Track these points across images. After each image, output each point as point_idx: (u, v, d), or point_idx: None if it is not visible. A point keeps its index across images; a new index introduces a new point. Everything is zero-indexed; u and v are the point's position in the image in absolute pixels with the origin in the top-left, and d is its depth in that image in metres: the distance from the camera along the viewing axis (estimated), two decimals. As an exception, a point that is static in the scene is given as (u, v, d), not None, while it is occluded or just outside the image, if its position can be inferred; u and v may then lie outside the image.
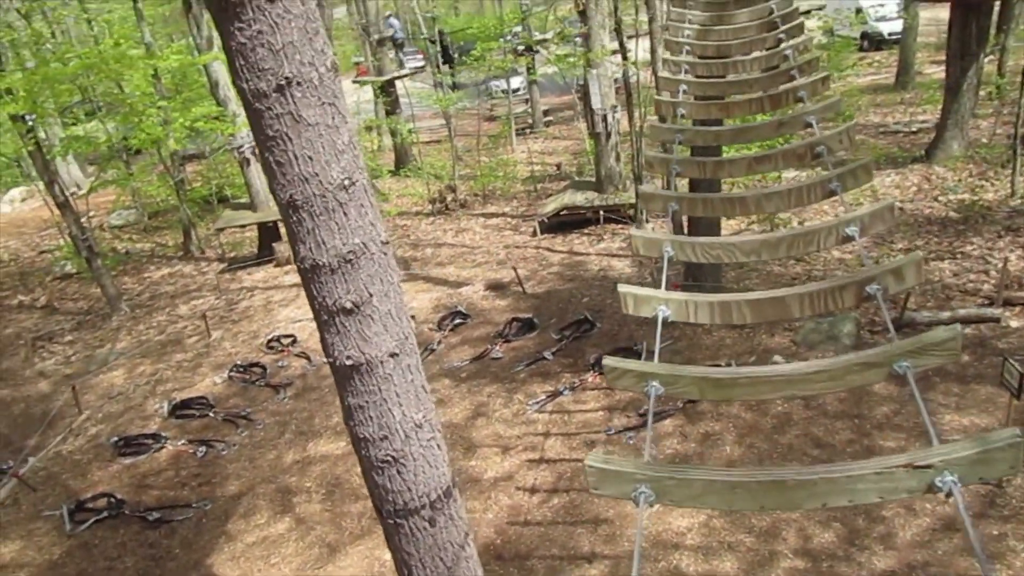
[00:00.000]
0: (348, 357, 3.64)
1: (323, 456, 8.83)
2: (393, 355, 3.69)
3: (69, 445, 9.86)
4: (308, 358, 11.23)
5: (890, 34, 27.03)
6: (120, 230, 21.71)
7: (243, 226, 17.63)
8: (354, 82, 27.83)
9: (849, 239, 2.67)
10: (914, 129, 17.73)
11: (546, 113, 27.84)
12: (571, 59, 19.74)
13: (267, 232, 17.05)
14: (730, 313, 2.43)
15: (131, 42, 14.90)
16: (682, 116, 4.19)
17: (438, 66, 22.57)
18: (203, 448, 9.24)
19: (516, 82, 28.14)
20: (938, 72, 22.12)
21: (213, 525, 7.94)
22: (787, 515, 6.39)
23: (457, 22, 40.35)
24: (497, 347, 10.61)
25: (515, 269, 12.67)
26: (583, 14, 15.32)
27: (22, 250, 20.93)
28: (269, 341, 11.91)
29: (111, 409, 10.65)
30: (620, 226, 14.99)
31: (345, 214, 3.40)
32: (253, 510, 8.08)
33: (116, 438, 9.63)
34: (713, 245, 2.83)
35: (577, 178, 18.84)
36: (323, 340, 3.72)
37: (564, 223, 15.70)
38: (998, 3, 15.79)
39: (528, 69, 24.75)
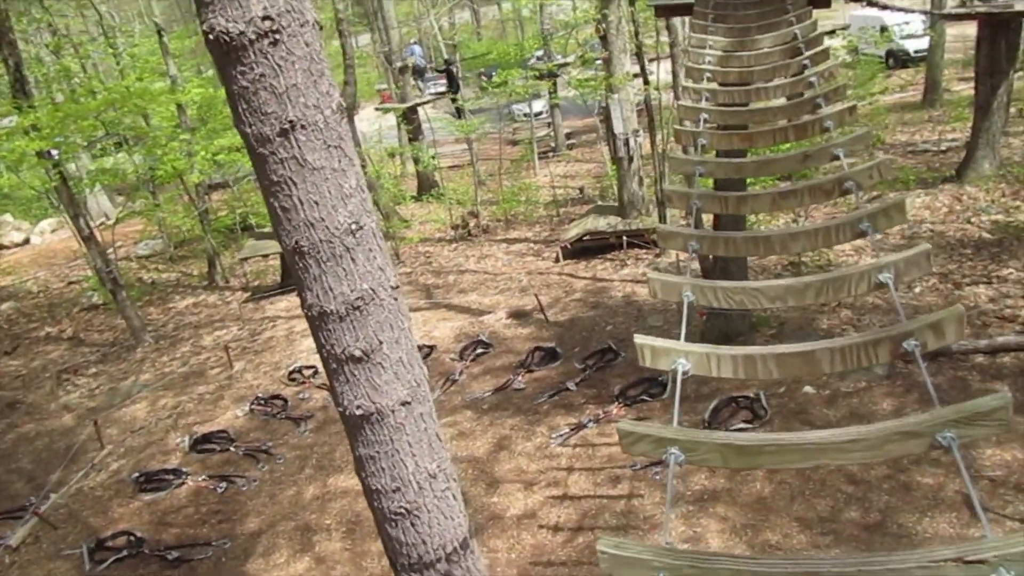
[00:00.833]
0: (358, 407, 3.51)
1: (343, 491, 8.69)
2: (405, 404, 3.56)
3: (91, 481, 9.82)
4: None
5: (916, 52, 26.67)
6: (147, 260, 21.91)
7: (267, 255, 17.70)
8: (377, 109, 28.07)
9: (882, 286, 2.49)
10: (943, 148, 17.38)
11: (568, 136, 27.79)
12: (592, 83, 19.68)
13: (284, 260, 17.02)
14: (755, 368, 2.27)
15: (155, 76, 15.10)
16: (703, 146, 4.03)
17: (454, 94, 22.64)
18: (223, 484, 9.14)
19: (538, 105, 28.14)
20: (966, 89, 21.77)
21: (233, 564, 7.81)
22: None
23: (480, 47, 40.55)
24: (519, 377, 10.44)
25: (537, 297, 12.52)
26: (604, 39, 15.25)
27: (51, 281, 21.15)
28: (291, 372, 11.84)
29: (133, 443, 10.61)
30: (644, 251, 14.80)
31: (353, 259, 3.28)
32: (273, 548, 7.94)
33: (137, 474, 9.57)
34: (735, 290, 2.66)
35: (600, 202, 18.70)
36: (332, 389, 3.60)
37: (587, 248, 15.53)
38: (1027, 19, 15.46)
39: (550, 92, 24.74)
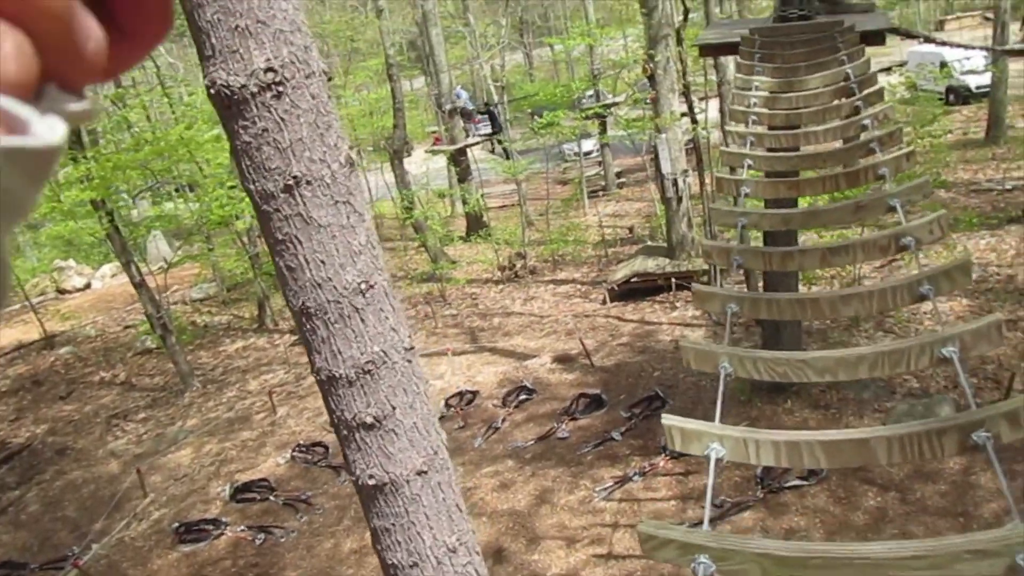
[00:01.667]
0: (371, 476, 3.28)
1: (381, 545, 8.44)
2: (421, 473, 3.31)
3: (132, 531, 9.77)
4: (371, 437, 10.96)
5: (977, 87, 25.90)
6: (200, 303, 22.25)
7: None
8: (427, 151, 28.31)
9: (945, 360, 2.19)
10: (1008, 187, 16.66)
11: (619, 175, 27.59)
12: (640, 123, 19.52)
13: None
14: (799, 455, 1.99)
15: (209, 124, 15.40)
16: (746, 195, 3.76)
17: (494, 141, 22.70)
18: (261, 535, 8.99)
19: (588, 145, 28.05)
20: (1032, 125, 21.02)
21: (265, 620, 7.62)
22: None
23: (531, 88, 40.84)
24: (563, 425, 10.13)
25: (582, 341, 12.22)
26: (652, 79, 15.08)
27: (109, 325, 21.59)
28: (333, 418, 11.71)
29: (175, 491, 10.57)
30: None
31: (363, 320, 3.08)
32: (307, 605, 7.73)
33: (177, 524, 9.49)
34: (779, 361, 2.38)
35: (650, 242, 18.38)
36: (344, 457, 3.39)
37: (635, 290, 15.20)
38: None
39: (600, 132, 24.64)
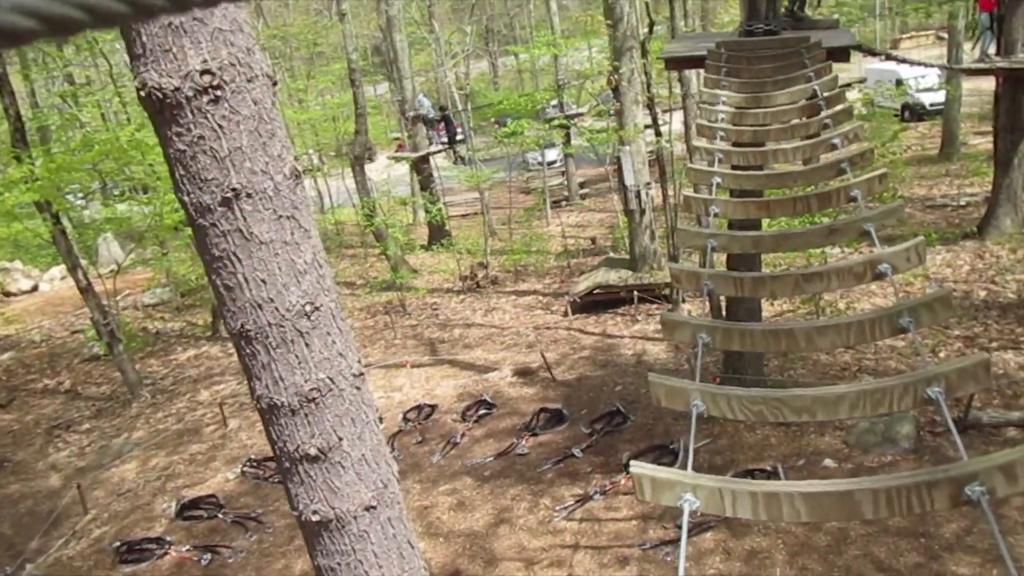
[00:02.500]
0: (315, 512, 3.05)
1: (333, 566, 8.14)
2: (369, 508, 3.09)
3: (70, 550, 9.32)
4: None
5: (932, 105, 26.46)
6: (153, 309, 21.63)
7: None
8: (389, 157, 28.05)
9: (930, 401, 2.04)
10: (962, 203, 16.94)
11: (582, 185, 27.57)
12: (603, 134, 19.48)
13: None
14: (779, 508, 1.82)
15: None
16: (715, 215, 3.62)
17: (451, 146, 22.48)
18: (208, 555, 8.62)
19: (552, 154, 28.01)
20: (983, 143, 21.41)
21: (209, 646, 7.27)
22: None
23: (496, 96, 40.77)
24: (523, 441, 9.92)
25: (543, 355, 12.04)
26: (616, 90, 15.02)
27: (55, 330, 20.87)
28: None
29: (118, 508, 10.13)
30: (655, 306, 14.34)
31: (307, 345, 2.86)
32: (253, 629, 7.40)
33: (118, 543, 9.07)
34: (755, 399, 2.22)
35: (612, 254, 18.32)
36: (287, 491, 3.15)
37: (597, 302, 15.08)
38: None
39: (563, 142, 24.59)
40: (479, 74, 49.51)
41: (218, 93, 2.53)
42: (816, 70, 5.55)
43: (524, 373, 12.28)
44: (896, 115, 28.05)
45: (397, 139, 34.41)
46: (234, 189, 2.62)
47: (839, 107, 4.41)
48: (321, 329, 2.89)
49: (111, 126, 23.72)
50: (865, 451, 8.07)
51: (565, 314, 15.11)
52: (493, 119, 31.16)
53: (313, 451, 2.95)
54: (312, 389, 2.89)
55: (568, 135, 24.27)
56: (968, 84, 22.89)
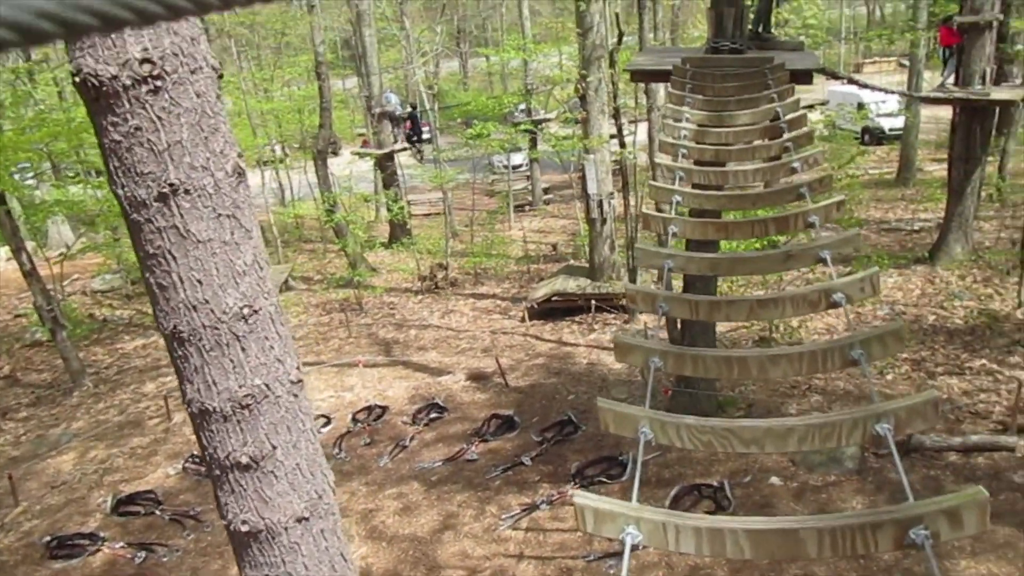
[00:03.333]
0: (244, 522, 2.94)
1: (272, 568, 7.97)
2: (301, 520, 2.99)
3: (-3, 541, 8.99)
4: (271, 450, 10.43)
5: (891, 130, 27.04)
6: (103, 295, 21.07)
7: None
8: (353, 153, 27.74)
9: (879, 438, 2.02)
10: (916, 227, 17.30)
11: (546, 191, 27.58)
12: (569, 142, 19.51)
13: (247, 306, 16.42)
14: (723, 544, 1.78)
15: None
16: (674, 235, 3.59)
17: (410, 142, 22.30)
18: (142, 553, 8.38)
19: (517, 158, 27.98)
20: (938, 170, 21.92)
21: (138, 648, 7.06)
22: None
23: (465, 97, 40.63)
24: (473, 447, 9.84)
25: (498, 360, 11.97)
26: (583, 99, 15.03)
27: (-2, 312, 20.25)
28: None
29: (51, 501, 9.80)
30: (612, 315, 14.37)
31: (243, 349, 2.75)
32: (186, 632, 7.20)
33: (49, 537, 8.76)
34: (704, 429, 2.18)
35: (572, 261, 18.35)
36: (216, 499, 3.03)
37: (555, 309, 15.07)
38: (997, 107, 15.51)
39: (529, 147, 24.59)
40: (449, 74, 49.33)
41: (158, 83, 2.42)
42: (779, 91, 5.57)
43: (478, 378, 12.20)
44: (856, 138, 28.62)
45: (362, 135, 34.09)
46: (171, 184, 2.51)
47: (801, 131, 4.41)
48: (259, 333, 2.79)
49: (68, 105, 23.13)
50: (810, 470, 8.14)
51: (522, 320, 15.07)
52: (460, 120, 31.07)
53: (245, 459, 2.84)
54: (247, 395, 2.79)
55: (534, 140, 24.28)
56: (926, 111, 23.40)
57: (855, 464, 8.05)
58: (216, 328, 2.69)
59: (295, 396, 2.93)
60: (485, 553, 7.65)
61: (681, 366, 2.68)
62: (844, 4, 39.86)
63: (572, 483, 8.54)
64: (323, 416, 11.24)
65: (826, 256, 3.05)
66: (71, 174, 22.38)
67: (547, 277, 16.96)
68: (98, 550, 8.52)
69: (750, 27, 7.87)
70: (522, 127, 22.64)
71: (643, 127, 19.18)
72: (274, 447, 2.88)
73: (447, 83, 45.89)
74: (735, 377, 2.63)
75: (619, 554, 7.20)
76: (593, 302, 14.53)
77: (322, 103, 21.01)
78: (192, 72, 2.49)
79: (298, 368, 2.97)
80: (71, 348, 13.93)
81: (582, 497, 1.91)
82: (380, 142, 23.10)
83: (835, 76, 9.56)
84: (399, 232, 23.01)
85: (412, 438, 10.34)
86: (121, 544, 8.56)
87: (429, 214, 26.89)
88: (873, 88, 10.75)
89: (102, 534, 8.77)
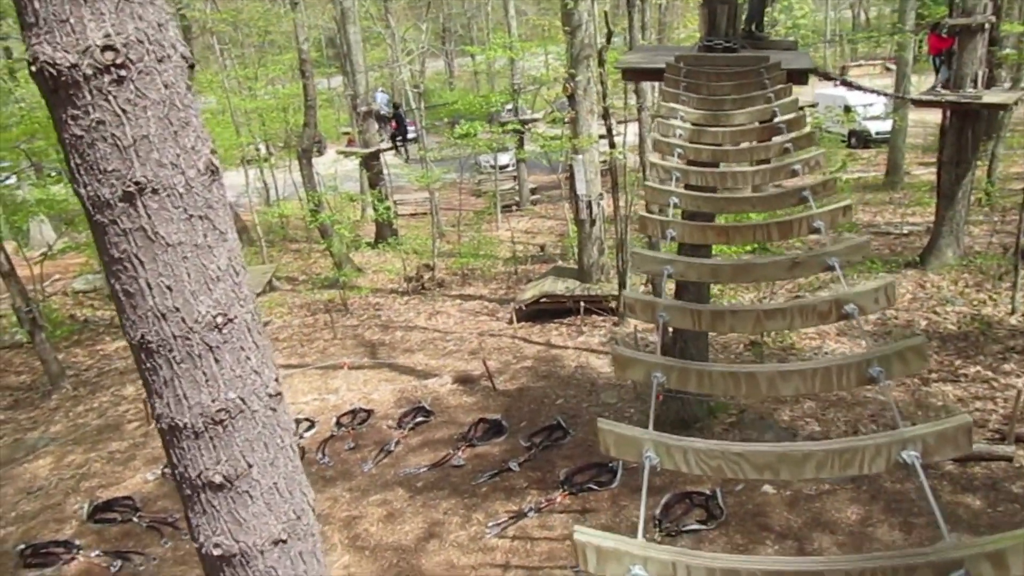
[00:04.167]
0: (217, 545, 2.74)
1: (253, 578, 7.75)
2: (278, 542, 2.80)
3: (-31, 550, 8.72)
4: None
5: (878, 133, 27.06)
6: (84, 295, 20.71)
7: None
8: (339, 152, 27.48)
9: (904, 465, 1.86)
10: (905, 231, 17.26)
11: (533, 191, 27.42)
12: (556, 142, 19.36)
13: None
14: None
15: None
16: (672, 239, 3.42)
17: (395, 144, 22.04)
18: (118, 562, 8.13)
19: (504, 158, 27.81)
20: (926, 174, 21.94)
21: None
22: None
23: (451, 96, 40.43)
24: (460, 452, 9.65)
25: (485, 363, 11.78)
26: (571, 98, 14.87)
27: (-26, 313, 19.84)
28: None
29: (27, 508, 9.54)
30: (601, 318, 14.21)
31: (216, 361, 2.56)
32: (163, 644, 6.98)
33: (23, 545, 8.50)
34: (713, 453, 2.02)
35: (560, 262, 18.19)
36: (187, 521, 2.83)
37: (543, 311, 14.89)
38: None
39: (516, 147, 24.43)
40: (435, 73, 49.10)
41: (122, 73, 2.22)
42: (776, 91, 5.43)
43: (465, 381, 12.02)
44: (843, 141, 28.69)
45: (347, 133, 33.79)
46: (138, 183, 2.31)
47: (800, 132, 4.27)
48: (234, 343, 2.59)
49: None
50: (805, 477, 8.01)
51: (510, 322, 14.89)
52: (447, 119, 30.84)
53: (218, 478, 2.65)
54: (220, 410, 2.59)
55: (521, 140, 24.11)
56: (913, 115, 23.43)
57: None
58: (187, 338, 2.50)
59: (273, 410, 2.74)
60: (471, 563, 7.47)
61: (685, 382, 2.51)
62: (829, 6, 39.89)
63: (561, 490, 8.37)
64: (307, 420, 11.03)
65: (834, 263, 2.90)
66: (53, 173, 22.00)
67: (535, 278, 16.78)
68: (73, 558, 8.27)
69: (743, 26, 7.74)
70: (509, 127, 22.45)
71: (632, 127, 19.05)
72: (250, 465, 2.69)
73: (433, 82, 45.67)
74: (743, 394, 2.47)
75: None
76: (582, 304, 14.37)
77: (307, 101, 20.74)
78: (159, 61, 2.30)
79: (276, 380, 2.78)
80: (50, 350, 13.63)
81: (583, 534, 1.75)
82: (366, 141, 22.87)
83: (828, 77, 9.45)
84: (385, 232, 22.78)
85: (397, 443, 10.14)
86: (97, 552, 8.31)
87: (415, 214, 26.68)
88: (867, 91, 10.67)
89: (77, 542, 8.52)
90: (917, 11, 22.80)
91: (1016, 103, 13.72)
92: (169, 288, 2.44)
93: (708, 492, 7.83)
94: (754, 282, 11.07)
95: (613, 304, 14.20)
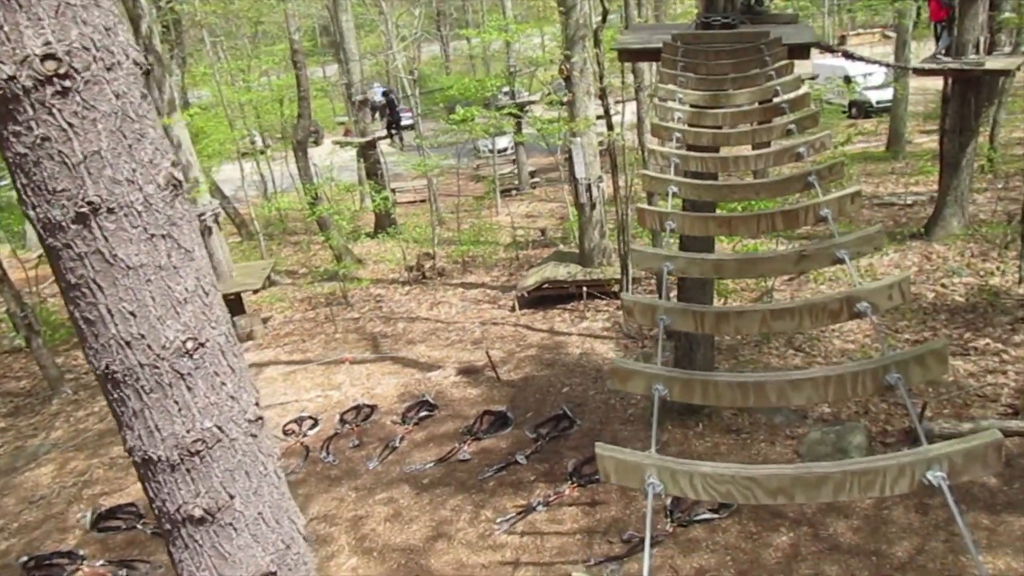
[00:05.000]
0: (201, 582, 2.57)
1: (259, 583, 7.63)
2: (268, 575, 2.63)
3: (-28, 563, 8.62)
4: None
5: (878, 102, 26.73)
6: (81, 296, 20.57)
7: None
8: (335, 142, 27.25)
9: (930, 485, 1.69)
10: (909, 201, 16.99)
11: (532, 174, 27.13)
12: (554, 125, 19.09)
13: (228, 305, 16.03)
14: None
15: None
16: (672, 230, 3.23)
17: (389, 132, 21.74)
18: (123, 571, 8.03)
19: (503, 142, 27.53)
20: (928, 142, 21.64)
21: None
22: None
23: (447, 80, 40.05)
24: (466, 446, 9.51)
25: (488, 354, 11.61)
26: (568, 80, 14.60)
27: (-26, 318, 19.71)
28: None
29: (29, 518, 9.43)
30: (604, 302, 14.03)
31: (189, 388, 2.38)
32: (169, 655, 6.86)
33: (26, 557, 8.38)
34: (722, 478, 1.85)
35: (562, 246, 17.97)
36: (170, 556, 2.67)
37: (545, 298, 14.71)
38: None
39: (515, 130, 24.14)
40: (431, 58, 48.66)
41: (67, 84, 2.03)
42: (777, 68, 5.21)
43: (468, 372, 11.86)
44: (844, 112, 28.34)
45: (343, 123, 33.49)
46: (91, 202, 2.13)
47: (805, 112, 4.06)
48: (207, 369, 2.42)
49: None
50: (816, 461, 7.84)
51: (513, 309, 14.71)
52: (443, 104, 30.51)
53: (198, 512, 2.49)
54: (196, 440, 2.42)
55: (519, 123, 23.83)
56: (913, 83, 23.06)
57: (862, 454, 7.74)
58: (155, 366, 2.32)
59: (253, 436, 2.57)
60: (481, 561, 7.33)
61: (689, 393, 2.34)
62: (828, -25, 39.35)
63: (569, 482, 8.22)
64: (311, 418, 10.89)
65: (844, 256, 2.71)
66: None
67: (537, 264, 16.58)
68: (77, 569, 8.15)
69: (741, 0, 7.49)
70: (506, 111, 22.18)
71: (630, 106, 18.78)
72: (231, 496, 2.52)
73: (429, 67, 45.24)
74: (750, 403, 2.30)
75: (620, 558, 6.91)
76: (584, 289, 14.18)
77: (300, 92, 20.46)
78: (108, 69, 2.11)
79: (256, 404, 2.61)
80: (48, 355, 13.51)
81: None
82: (362, 130, 22.63)
83: (830, 50, 9.23)
84: (384, 222, 22.58)
85: (402, 438, 10.00)
86: (101, 562, 8.20)
87: (414, 201, 26.44)
88: (869, 61, 10.39)
89: (81, 552, 8.41)
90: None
91: (1019, 68, 13.45)
92: (132, 314, 2.26)
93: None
94: (760, 277, 10.85)
95: (616, 288, 14.01)
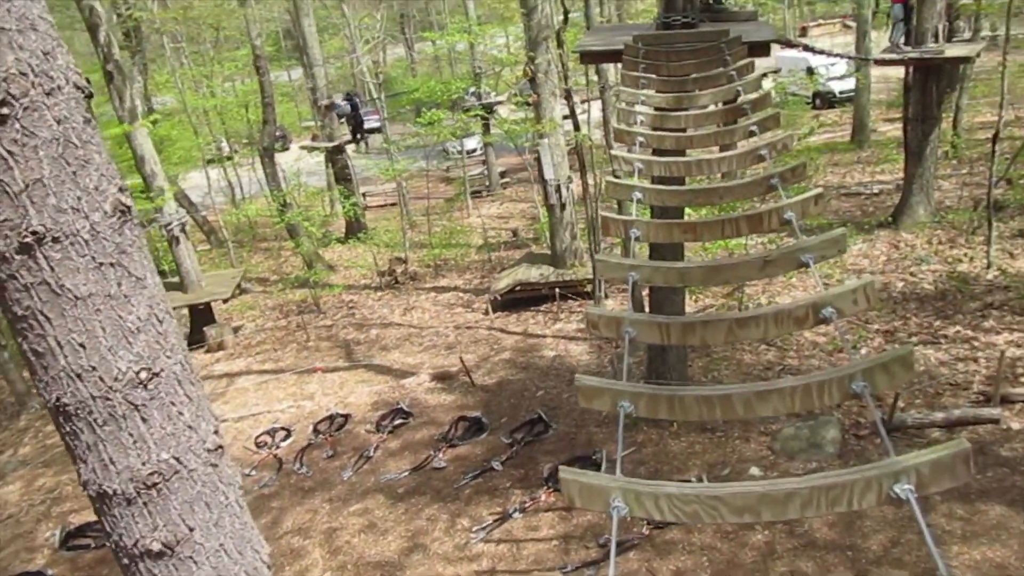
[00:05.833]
0: (163, 617, 2.50)
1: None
2: (232, 606, 2.56)
3: (-63, 590, 8.42)
4: (229, 469, 9.94)
5: (841, 92, 27.08)
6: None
7: (175, 307, 16.34)
8: (302, 147, 27.01)
9: (898, 499, 1.68)
10: (875, 191, 17.20)
11: (503, 175, 27.09)
12: (521, 126, 19.07)
13: (198, 315, 15.84)
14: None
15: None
16: (636, 238, 3.22)
17: (354, 137, 21.58)
18: (94, 592, 7.88)
19: (471, 143, 27.45)
20: (892, 130, 21.92)
21: None
22: None
23: (414, 83, 39.84)
24: (440, 454, 9.45)
25: (462, 359, 11.56)
26: (533, 81, 14.58)
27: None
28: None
29: (-5, 539, 9.23)
30: (577, 303, 14.03)
31: (144, 420, 2.32)
32: None
33: (-8, 581, 8.22)
34: (687, 498, 1.82)
35: (534, 247, 17.96)
36: (128, 590, 2.59)
37: (519, 300, 14.68)
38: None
39: (484, 131, 24.07)
40: (396, 60, 48.39)
41: (4, 111, 1.95)
42: (738, 68, 5.22)
43: (443, 378, 11.80)
44: (808, 103, 28.67)
45: (309, 128, 33.21)
46: (35, 232, 2.05)
47: (766, 113, 4.06)
48: (162, 399, 2.35)
49: None
50: (791, 457, 7.89)
51: (486, 312, 14.67)
52: (410, 107, 30.34)
53: (156, 546, 2.41)
54: (152, 473, 2.35)
55: (487, 124, 23.78)
56: (876, 72, 23.34)
57: (836, 448, 7.82)
58: (107, 398, 2.25)
59: (213, 466, 2.51)
60: (457, 572, 7.27)
61: (655, 409, 2.31)
62: (787, -32, 39.71)
63: (545, 487, 8.20)
64: (283, 429, 10.77)
65: (809, 260, 2.71)
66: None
67: (509, 266, 16.54)
68: (46, 592, 8.01)
69: (701, -1, 7.50)
70: (473, 112, 22.11)
71: (597, 104, 18.82)
72: (191, 528, 2.45)
73: (394, 69, 44.96)
74: (717, 417, 2.28)
75: (597, 562, 6.89)
76: (557, 291, 14.18)
77: (264, 98, 20.26)
78: (48, 94, 2.03)
79: (216, 433, 2.54)
80: (15, 369, 13.23)
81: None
82: (329, 135, 22.46)
83: (791, 44, 9.28)
84: (355, 226, 22.42)
85: (376, 447, 9.92)
86: (71, 584, 8.05)
87: (384, 205, 26.29)
88: (829, 54, 10.49)
89: (50, 572, 8.25)
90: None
91: (978, 55, 13.65)
92: (82, 345, 2.19)
93: (694, 478, 7.69)
94: (725, 284, 10.90)
95: (588, 289, 14.03)
